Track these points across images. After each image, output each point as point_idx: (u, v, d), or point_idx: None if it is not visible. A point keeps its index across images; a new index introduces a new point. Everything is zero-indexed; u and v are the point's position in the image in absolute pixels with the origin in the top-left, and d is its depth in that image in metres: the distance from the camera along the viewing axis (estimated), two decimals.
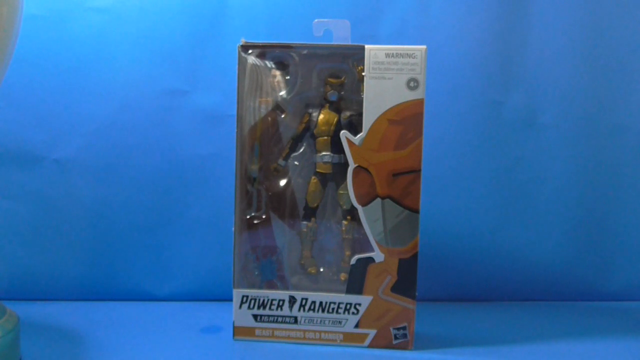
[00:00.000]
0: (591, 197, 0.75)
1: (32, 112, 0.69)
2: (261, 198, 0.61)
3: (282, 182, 0.61)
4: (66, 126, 0.70)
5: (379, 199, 0.56)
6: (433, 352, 0.56)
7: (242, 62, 0.58)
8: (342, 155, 0.57)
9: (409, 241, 0.56)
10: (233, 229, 0.58)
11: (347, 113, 0.59)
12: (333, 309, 0.57)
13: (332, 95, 0.58)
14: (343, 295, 0.57)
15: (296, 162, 0.61)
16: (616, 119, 0.74)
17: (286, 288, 0.60)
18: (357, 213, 0.57)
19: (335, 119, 0.58)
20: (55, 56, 0.69)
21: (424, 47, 0.55)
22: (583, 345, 0.59)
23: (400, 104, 0.55)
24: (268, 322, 0.58)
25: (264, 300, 0.58)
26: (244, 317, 0.58)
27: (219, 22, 0.70)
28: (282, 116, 0.60)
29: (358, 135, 0.56)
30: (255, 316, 0.58)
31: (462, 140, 0.73)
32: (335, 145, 0.58)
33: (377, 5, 0.71)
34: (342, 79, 0.59)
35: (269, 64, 0.60)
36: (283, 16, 0.70)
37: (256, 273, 0.60)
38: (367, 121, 0.55)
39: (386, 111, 0.55)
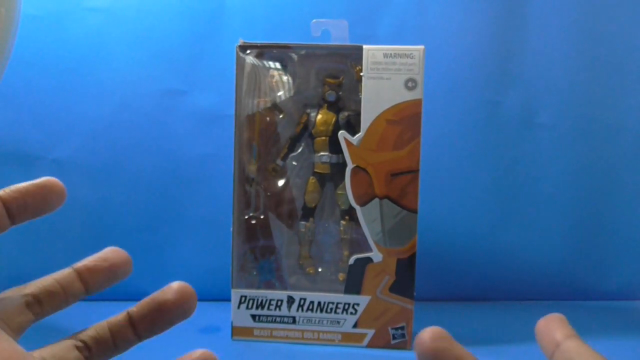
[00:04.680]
0: (588, 196, 0.75)
1: (30, 112, 0.69)
2: (259, 198, 0.61)
3: (281, 183, 0.61)
4: (64, 126, 0.70)
5: (377, 199, 0.56)
6: None
7: (240, 62, 0.58)
8: (340, 155, 0.57)
9: (407, 241, 0.56)
10: (231, 229, 0.58)
11: (345, 113, 0.59)
12: (331, 309, 0.57)
13: (330, 96, 0.58)
14: (341, 295, 0.57)
15: (294, 163, 0.61)
16: (613, 119, 0.74)
17: (284, 288, 0.60)
18: (355, 213, 0.57)
19: (334, 119, 0.59)
20: (53, 56, 0.69)
21: (422, 47, 0.55)
22: None
23: (399, 104, 0.55)
24: (266, 322, 0.58)
25: (262, 301, 0.58)
26: (242, 317, 0.58)
27: (217, 22, 0.70)
28: (280, 116, 0.60)
29: (356, 136, 0.56)
30: (253, 316, 0.58)
31: (460, 141, 0.73)
32: (334, 146, 0.58)
33: (375, 5, 0.71)
34: (340, 79, 0.59)
35: (267, 63, 0.60)
36: (281, 16, 0.70)
37: (254, 273, 0.60)
38: (365, 121, 0.55)
39: (384, 111, 0.55)
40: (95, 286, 0.31)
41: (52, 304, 0.29)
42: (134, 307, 0.30)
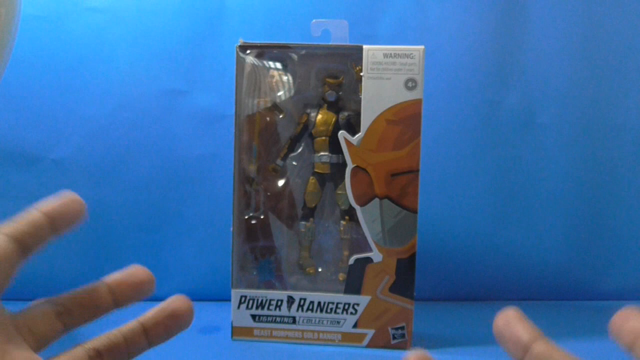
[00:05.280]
0: (588, 196, 0.75)
1: (31, 112, 0.69)
2: (259, 198, 0.61)
3: (281, 183, 0.61)
4: (64, 126, 0.70)
5: (377, 199, 0.56)
6: (431, 351, 0.56)
7: (240, 62, 0.58)
8: (340, 155, 0.57)
9: (407, 241, 0.56)
10: (231, 229, 0.58)
11: (345, 113, 0.59)
12: (331, 309, 0.57)
13: (331, 96, 0.58)
14: (341, 295, 0.57)
15: (294, 163, 0.61)
16: (613, 119, 0.74)
17: (284, 288, 0.60)
18: (356, 213, 0.57)
19: (334, 119, 0.59)
20: (53, 56, 0.69)
21: (422, 47, 0.55)
22: (580, 345, 0.59)
23: (399, 104, 0.55)
24: (266, 322, 0.58)
25: (262, 301, 0.58)
26: (242, 317, 0.58)
27: (217, 22, 0.70)
28: (280, 116, 0.60)
29: (356, 136, 0.56)
30: (253, 316, 0.58)
31: (460, 141, 0.73)
32: (334, 146, 0.58)
33: (375, 5, 0.71)
34: (341, 79, 0.59)
35: (267, 63, 0.60)
36: (281, 16, 0.70)
37: (254, 273, 0.60)
38: (365, 121, 0.55)
39: (384, 111, 0.55)
40: (123, 300, 0.31)
41: (82, 316, 0.30)
42: (145, 315, 0.31)
